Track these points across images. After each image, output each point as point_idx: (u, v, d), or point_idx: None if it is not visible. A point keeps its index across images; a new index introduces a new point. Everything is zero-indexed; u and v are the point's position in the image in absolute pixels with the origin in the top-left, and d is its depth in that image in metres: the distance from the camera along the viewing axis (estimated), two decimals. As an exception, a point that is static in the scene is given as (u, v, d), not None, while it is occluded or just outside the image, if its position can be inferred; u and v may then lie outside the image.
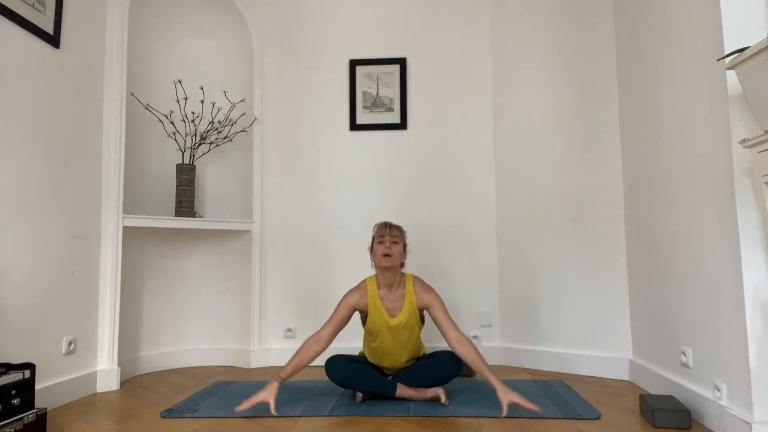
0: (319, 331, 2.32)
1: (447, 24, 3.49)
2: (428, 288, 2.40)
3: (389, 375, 2.48)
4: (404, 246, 2.44)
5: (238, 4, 3.42)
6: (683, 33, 2.18)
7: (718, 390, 1.92)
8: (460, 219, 3.38)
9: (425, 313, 2.45)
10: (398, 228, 2.44)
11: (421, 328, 2.47)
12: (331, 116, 3.49)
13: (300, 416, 2.17)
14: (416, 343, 2.47)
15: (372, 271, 2.50)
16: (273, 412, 2.13)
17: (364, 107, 3.48)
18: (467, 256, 3.36)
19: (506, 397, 2.07)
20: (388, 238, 2.37)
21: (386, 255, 2.34)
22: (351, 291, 2.41)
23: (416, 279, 2.44)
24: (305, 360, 2.24)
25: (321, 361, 3.25)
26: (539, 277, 3.13)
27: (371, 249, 2.45)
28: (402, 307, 2.38)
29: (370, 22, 3.53)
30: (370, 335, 2.45)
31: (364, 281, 2.46)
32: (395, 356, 2.43)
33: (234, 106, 3.43)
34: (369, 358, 2.52)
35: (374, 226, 2.51)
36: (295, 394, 2.52)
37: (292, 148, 3.49)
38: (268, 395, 2.15)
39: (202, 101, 3.39)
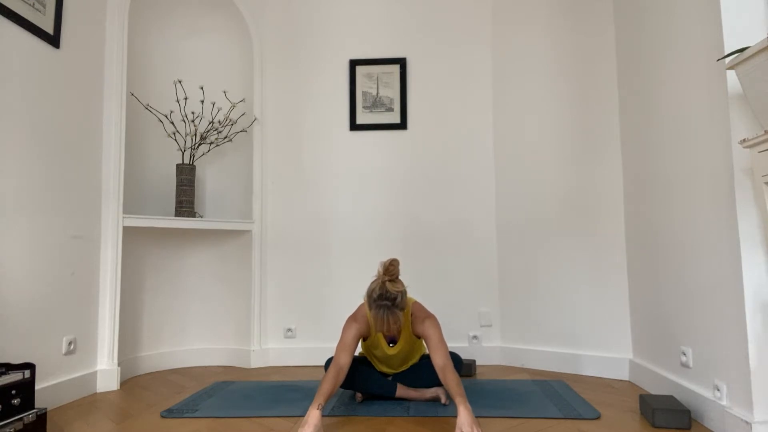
0: (338, 359, 2.15)
1: (447, 24, 3.49)
2: (424, 318, 2.27)
3: (389, 375, 2.49)
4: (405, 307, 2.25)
5: (238, 4, 3.42)
6: (683, 32, 2.18)
7: (718, 390, 1.92)
8: (460, 219, 3.38)
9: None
10: (395, 314, 2.14)
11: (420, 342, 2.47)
12: (331, 116, 3.49)
13: (300, 416, 2.17)
14: (416, 353, 2.48)
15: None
16: None
17: (364, 107, 3.48)
18: (467, 256, 3.36)
19: (460, 425, 1.85)
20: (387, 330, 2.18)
21: (389, 334, 2.24)
22: (354, 320, 2.25)
23: (414, 307, 2.32)
24: (337, 386, 2.11)
25: (321, 361, 3.30)
26: (539, 277, 3.13)
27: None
28: (399, 337, 2.35)
29: (370, 22, 3.53)
30: (369, 350, 2.46)
31: (364, 307, 2.29)
32: (394, 366, 2.46)
33: (234, 106, 3.43)
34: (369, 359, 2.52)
35: (370, 302, 2.16)
36: (295, 394, 2.52)
37: (292, 149, 3.49)
38: (316, 429, 1.89)
39: (202, 101, 3.39)
